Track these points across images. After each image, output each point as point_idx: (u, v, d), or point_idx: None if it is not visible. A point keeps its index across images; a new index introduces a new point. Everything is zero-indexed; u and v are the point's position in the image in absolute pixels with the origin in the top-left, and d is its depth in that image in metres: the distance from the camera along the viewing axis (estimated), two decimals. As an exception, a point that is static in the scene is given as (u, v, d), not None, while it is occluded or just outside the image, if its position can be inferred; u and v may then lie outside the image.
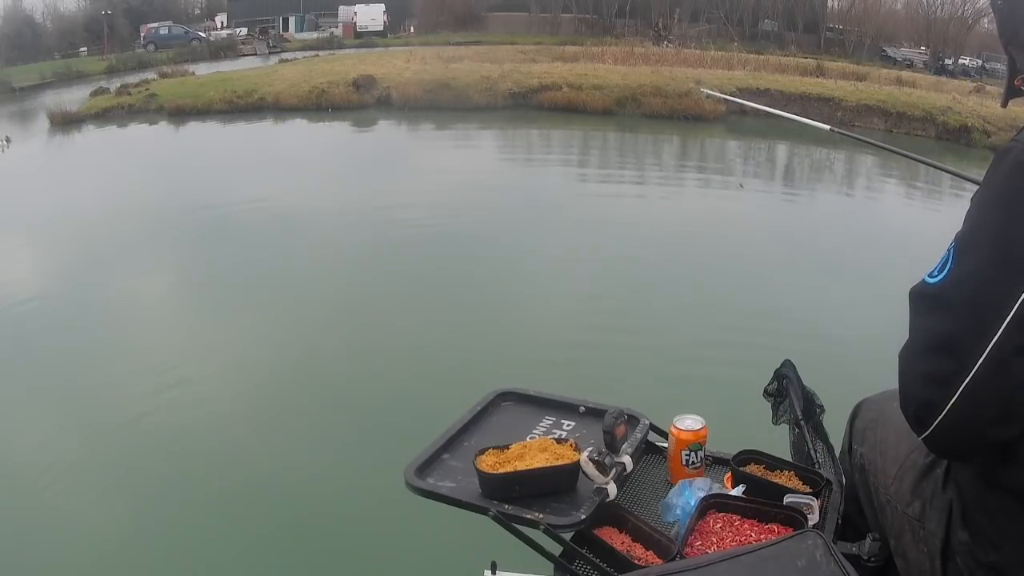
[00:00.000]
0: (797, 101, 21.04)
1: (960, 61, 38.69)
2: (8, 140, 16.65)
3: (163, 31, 38.60)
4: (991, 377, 1.04)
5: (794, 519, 1.45)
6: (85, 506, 4.37)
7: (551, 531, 1.40)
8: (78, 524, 4.19)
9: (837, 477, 1.61)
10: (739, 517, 1.49)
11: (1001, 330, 1.03)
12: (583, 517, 1.43)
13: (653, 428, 1.77)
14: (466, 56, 26.16)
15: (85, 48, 39.41)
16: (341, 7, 42.71)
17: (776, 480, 1.59)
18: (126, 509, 4.32)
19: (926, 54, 39.36)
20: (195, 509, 4.26)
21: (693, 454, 1.71)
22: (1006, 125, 17.00)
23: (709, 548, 1.41)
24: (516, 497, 1.46)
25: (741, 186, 7.92)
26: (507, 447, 1.56)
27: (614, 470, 1.51)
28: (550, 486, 1.50)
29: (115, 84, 23.89)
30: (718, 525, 1.47)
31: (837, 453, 1.68)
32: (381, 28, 42.04)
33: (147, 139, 18.21)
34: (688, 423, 1.72)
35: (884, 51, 38.87)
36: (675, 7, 38.12)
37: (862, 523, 1.54)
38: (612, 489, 1.50)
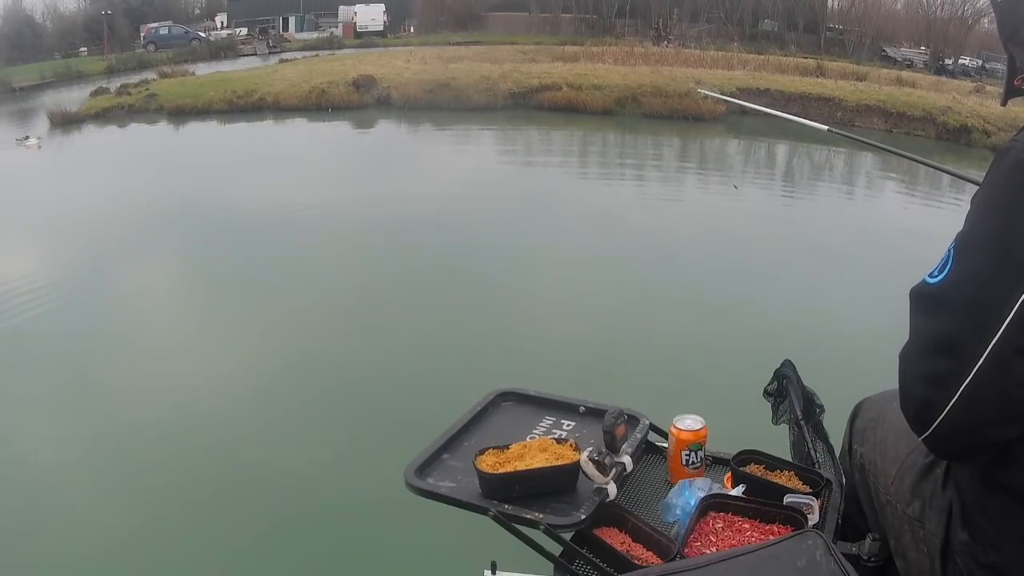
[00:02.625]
0: (797, 101, 21.04)
1: (960, 61, 38.68)
2: (38, 138, 16.89)
3: (163, 31, 38.58)
4: (992, 377, 1.05)
5: (794, 519, 1.45)
6: (93, 503, 4.38)
7: (551, 531, 1.40)
8: (87, 521, 4.20)
9: (837, 477, 1.61)
10: (739, 517, 1.49)
11: (1001, 330, 1.03)
12: (583, 517, 1.42)
13: (653, 428, 1.77)
14: (466, 56, 26.16)
15: (85, 48, 39.37)
16: (341, 7, 42.69)
17: (776, 480, 1.59)
18: (132, 507, 4.33)
19: (926, 54, 39.35)
20: (197, 508, 4.27)
21: (693, 454, 1.71)
22: (1006, 125, 17.00)
23: (709, 548, 1.41)
24: (516, 497, 1.46)
25: (736, 187, 7.94)
26: (507, 447, 1.56)
27: (614, 470, 1.51)
28: (550, 486, 1.50)
29: (115, 84, 23.89)
30: (718, 525, 1.47)
31: (837, 453, 1.68)
32: (381, 28, 42.02)
33: (154, 139, 18.22)
34: (688, 423, 1.72)
35: (884, 51, 38.85)
36: (675, 7, 38.10)
37: (862, 523, 1.54)
38: (612, 489, 1.49)
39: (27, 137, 16.90)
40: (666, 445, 1.75)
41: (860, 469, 1.54)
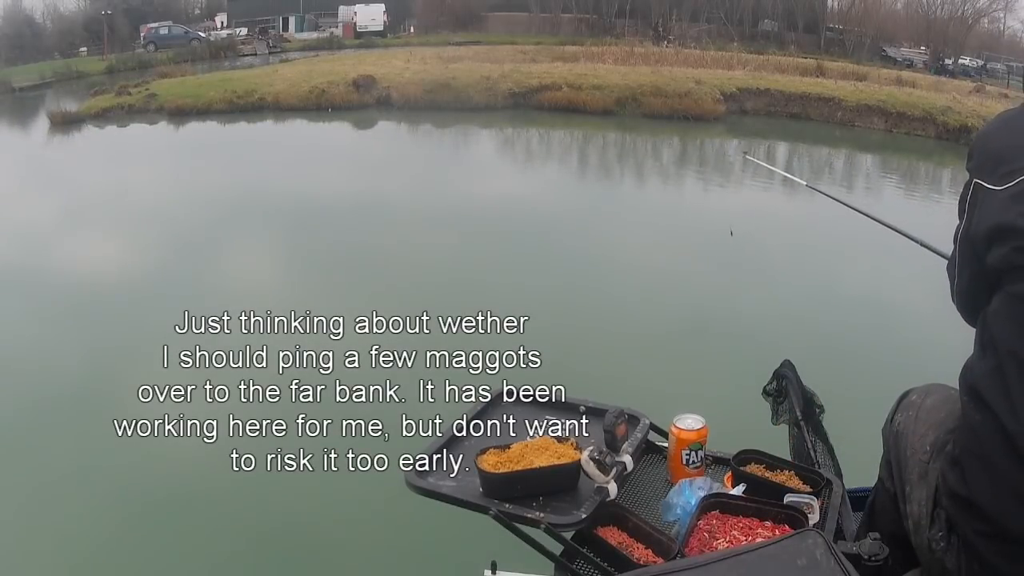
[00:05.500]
0: (797, 101, 21.04)
1: (960, 61, 38.65)
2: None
3: (163, 31, 38.55)
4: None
5: (794, 518, 1.45)
6: (93, 501, 4.38)
7: (552, 530, 1.40)
8: (85, 521, 4.20)
9: (837, 477, 1.62)
10: (739, 516, 1.49)
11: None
12: (584, 516, 1.43)
13: (653, 428, 1.77)
14: (466, 56, 26.13)
15: (85, 48, 39.34)
16: (341, 7, 42.64)
17: (776, 480, 1.60)
18: (132, 507, 4.33)
19: (926, 54, 39.32)
20: (197, 508, 4.27)
21: (693, 454, 1.71)
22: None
23: (709, 547, 1.42)
24: (517, 496, 1.46)
25: (732, 233, 7.93)
26: (508, 447, 1.56)
27: (615, 469, 1.52)
28: (551, 485, 1.50)
29: (115, 84, 23.86)
30: (718, 524, 1.47)
31: (838, 452, 1.69)
32: (381, 28, 41.98)
33: (166, 138, 18.26)
34: (688, 423, 1.72)
35: (884, 51, 38.82)
36: (675, 7, 38.11)
37: (892, 486, 1.59)
38: (613, 488, 1.50)
39: None
40: (666, 445, 1.76)
41: (895, 435, 1.61)
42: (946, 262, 1.53)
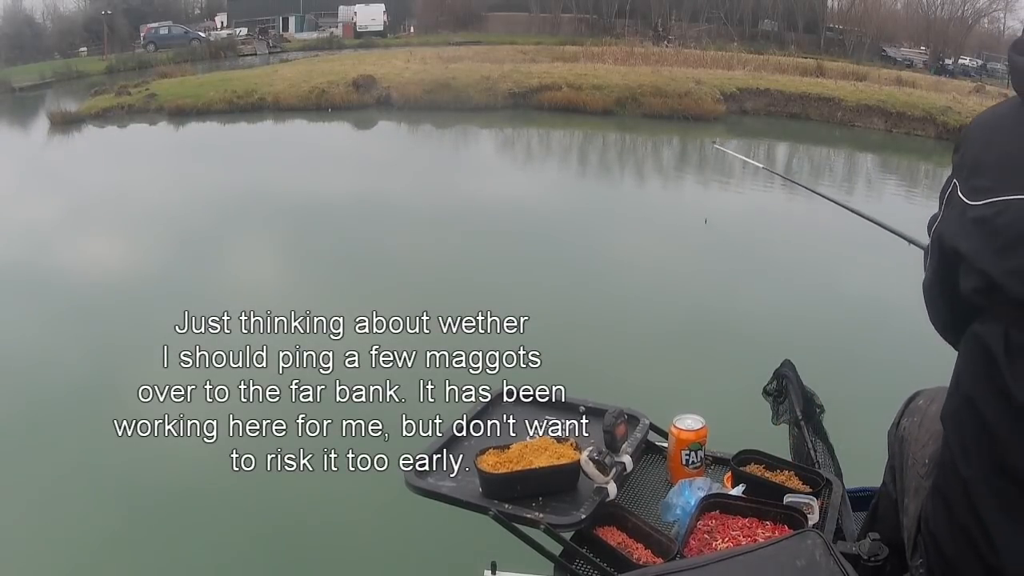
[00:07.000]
0: (797, 101, 21.04)
1: (960, 61, 38.65)
2: None
3: (163, 31, 38.56)
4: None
5: (794, 519, 1.45)
6: (88, 501, 4.38)
7: (551, 531, 1.40)
8: (82, 521, 4.20)
9: (837, 477, 1.62)
10: (739, 517, 1.49)
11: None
12: (583, 517, 1.43)
13: (653, 428, 1.77)
14: (466, 56, 26.13)
15: (85, 48, 39.34)
16: (341, 7, 42.65)
17: (776, 480, 1.60)
18: (132, 507, 4.33)
19: (926, 54, 39.32)
20: (197, 508, 4.27)
21: (693, 454, 1.71)
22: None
23: (709, 548, 1.42)
24: (517, 497, 1.46)
25: (706, 222, 7.91)
26: (508, 447, 1.56)
27: (614, 470, 1.52)
28: (551, 486, 1.50)
29: (115, 84, 23.86)
30: (718, 525, 1.47)
31: (838, 452, 1.69)
32: (381, 28, 41.99)
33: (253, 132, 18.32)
34: (688, 423, 1.72)
35: (884, 51, 38.82)
36: (675, 7, 38.13)
37: (892, 489, 1.58)
38: (612, 489, 1.50)
39: None
40: (666, 445, 1.76)
41: (900, 440, 1.59)
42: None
